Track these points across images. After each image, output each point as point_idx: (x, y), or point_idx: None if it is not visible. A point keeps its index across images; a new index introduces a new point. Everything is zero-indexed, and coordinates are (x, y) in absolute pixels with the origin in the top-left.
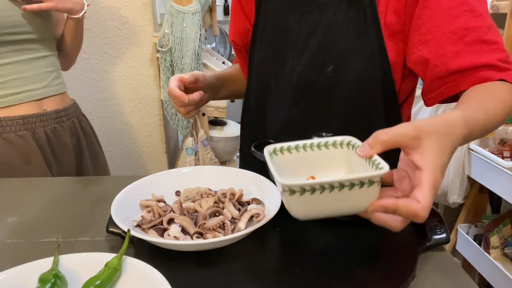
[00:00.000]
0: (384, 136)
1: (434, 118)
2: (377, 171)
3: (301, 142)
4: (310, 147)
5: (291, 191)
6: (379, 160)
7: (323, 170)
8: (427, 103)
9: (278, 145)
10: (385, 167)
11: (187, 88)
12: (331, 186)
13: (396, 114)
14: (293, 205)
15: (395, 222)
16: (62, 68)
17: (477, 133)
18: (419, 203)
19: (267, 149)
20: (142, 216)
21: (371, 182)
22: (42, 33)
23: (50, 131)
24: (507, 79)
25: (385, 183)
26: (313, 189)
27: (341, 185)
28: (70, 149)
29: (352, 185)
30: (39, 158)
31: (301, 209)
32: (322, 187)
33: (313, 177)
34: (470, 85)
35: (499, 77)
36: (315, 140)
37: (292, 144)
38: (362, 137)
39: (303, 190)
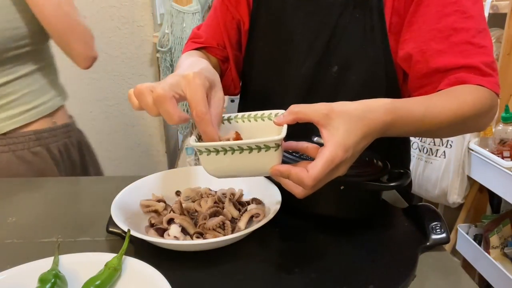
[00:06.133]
0: (297, 108)
1: (357, 101)
2: (271, 137)
3: (239, 114)
4: (247, 118)
5: (199, 151)
6: (285, 131)
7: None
8: None
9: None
10: (282, 134)
11: None
12: (232, 149)
13: None
14: (205, 164)
15: (296, 189)
16: (81, 66)
17: (411, 125)
18: (308, 173)
19: None
20: (150, 219)
21: (267, 147)
22: (42, 41)
23: (62, 147)
24: (485, 85)
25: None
26: (217, 151)
27: (241, 148)
28: (78, 167)
29: (250, 148)
30: (56, 175)
31: (212, 168)
32: (224, 149)
33: None
34: (447, 85)
35: (478, 82)
36: (253, 112)
37: (232, 115)
38: None
39: (208, 151)
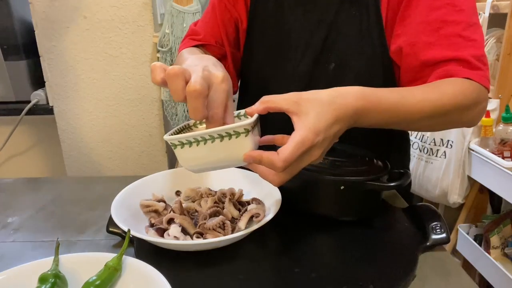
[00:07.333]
0: (267, 97)
1: (328, 89)
2: (239, 123)
3: None
4: None
5: (173, 145)
6: (255, 118)
7: None
8: None
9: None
10: (251, 120)
11: None
12: (204, 139)
13: None
14: (180, 159)
15: (271, 176)
16: None
17: (386, 113)
18: (278, 155)
19: (186, 122)
20: (150, 219)
21: (237, 133)
22: None
23: None
24: (473, 78)
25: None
26: (189, 142)
27: (212, 137)
28: None
29: (221, 136)
30: None
31: (188, 162)
32: (196, 140)
33: None
34: (436, 78)
35: (466, 75)
36: (235, 112)
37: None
38: (364, 137)
39: (181, 143)
